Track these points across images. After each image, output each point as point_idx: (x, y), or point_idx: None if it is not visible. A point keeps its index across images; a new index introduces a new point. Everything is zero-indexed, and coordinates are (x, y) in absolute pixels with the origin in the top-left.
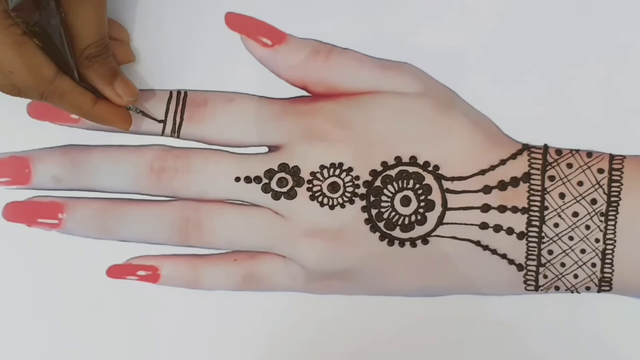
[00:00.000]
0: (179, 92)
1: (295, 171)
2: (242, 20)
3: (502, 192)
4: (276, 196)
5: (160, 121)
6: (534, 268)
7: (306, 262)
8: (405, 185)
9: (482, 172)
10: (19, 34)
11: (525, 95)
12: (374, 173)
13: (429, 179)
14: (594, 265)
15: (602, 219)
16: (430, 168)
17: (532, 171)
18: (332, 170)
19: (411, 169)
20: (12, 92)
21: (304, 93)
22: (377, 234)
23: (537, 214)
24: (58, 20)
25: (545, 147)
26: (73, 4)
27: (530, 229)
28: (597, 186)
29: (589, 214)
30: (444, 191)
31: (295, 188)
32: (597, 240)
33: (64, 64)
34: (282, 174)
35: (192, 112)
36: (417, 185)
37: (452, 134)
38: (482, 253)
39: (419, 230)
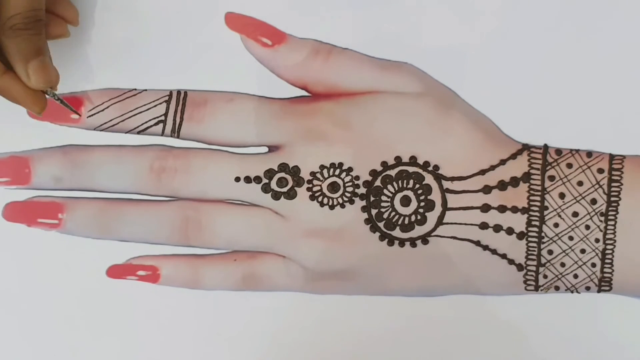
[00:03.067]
0: (179, 92)
1: (295, 171)
2: (242, 20)
3: (502, 192)
4: (276, 196)
5: (77, 114)
6: (534, 268)
7: (306, 262)
8: (405, 185)
9: (482, 172)
10: None
11: (525, 95)
12: (374, 173)
13: (429, 179)
14: (593, 265)
15: (602, 219)
16: (430, 168)
17: (532, 171)
18: (332, 170)
19: (411, 169)
20: None
21: (304, 93)
22: (377, 234)
23: (537, 214)
24: None
25: (545, 147)
26: None
27: (530, 229)
28: (597, 186)
29: (588, 214)
30: (443, 191)
31: (295, 188)
32: (597, 240)
33: None
34: (282, 174)
35: (192, 112)
36: (417, 185)
37: (452, 134)
38: (482, 253)
39: (418, 230)
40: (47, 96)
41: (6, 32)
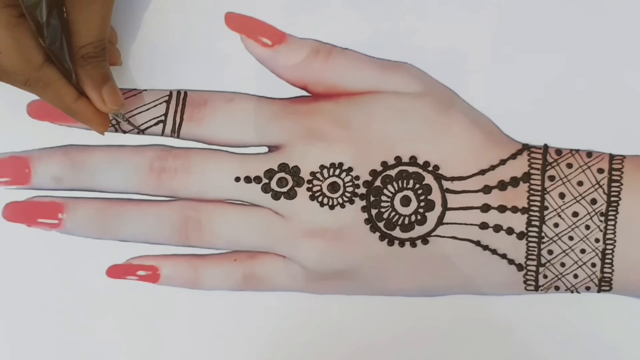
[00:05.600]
0: (179, 92)
1: (295, 171)
2: (242, 20)
3: (502, 192)
4: (276, 196)
5: (141, 131)
6: (534, 268)
7: (306, 262)
8: (405, 185)
9: (482, 172)
10: (14, 15)
11: (525, 95)
12: (374, 173)
13: (428, 179)
14: (593, 265)
15: (602, 219)
16: (430, 168)
17: (532, 171)
18: (332, 170)
19: (411, 169)
20: None
21: (304, 93)
22: (377, 234)
23: (537, 214)
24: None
25: (545, 147)
26: (79, 0)
27: (530, 229)
28: (597, 186)
29: (588, 214)
30: (443, 191)
31: (295, 188)
32: (597, 240)
33: (57, 58)
34: (282, 174)
35: (192, 112)
36: (417, 185)
37: (452, 134)
38: (482, 253)
39: (419, 230)
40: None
41: (78, 61)
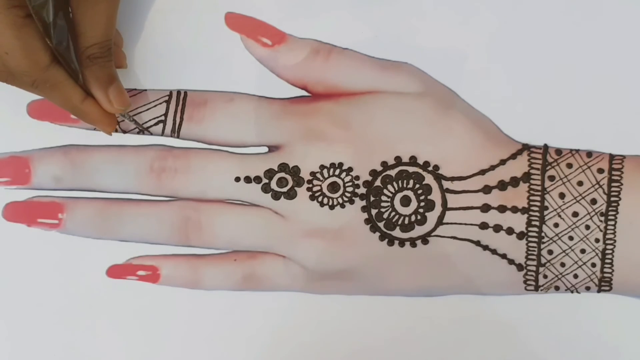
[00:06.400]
0: (179, 92)
1: (295, 171)
2: (242, 20)
3: (502, 192)
4: (276, 196)
5: (146, 130)
6: (534, 268)
7: (306, 262)
8: (405, 185)
9: (482, 172)
10: (21, 15)
11: (525, 95)
12: (373, 173)
13: (429, 179)
14: (593, 265)
15: (602, 219)
16: (430, 168)
17: (532, 171)
18: (332, 170)
19: (411, 169)
20: (1, 77)
21: (304, 93)
22: (377, 234)
23: (537, 214)
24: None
25: (545, 147)
26: (85, 1)
27: (530, 229)
28: (597, 186)
29: (588, 214)
30: (443, 191)
31: (295, 188)
32: (597, 240)
33: (64, 59)
34: (282, 174)
35: (192, 112)
36: (417, 185)
37: (452, 134)
38: (482, 253)
39: (418, 230)
40: (119, 116)
41: (84, 62)
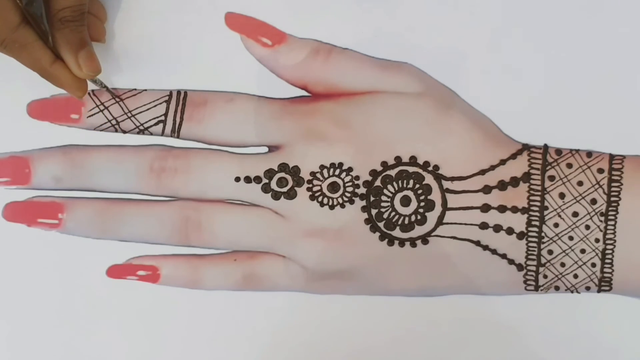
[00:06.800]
0: (179, 92)
1: (295, 171)
2: (242, 20)
3: (502, 192)
4: (276, 196)
5: (116, 97)
6: (534, 268)
7: (306, 262)
8: (405, 185)
9: (482, 172)
10: None
11: (525, 95)
12: (374, 173)
13: (429, 179)
14: (593, 265)
15: (602, 219)
16: (430, 168)
17: (532, 171)
18: (332, 170)
19: (411, 169)
20: None
21: (304, 93)
22: (377, 234)
23: (537, 214)
24: None
25: (545, 147)
26: None
27: (530, 229)
28: (597, 186)
29: (588, 214)
30: (443, 191)
31: (295, 188)
32: (597, 240)
33: (34, 19)
34: (282, 174)
35: (192, 112)
36: (417, 185)
37: (452, 134)
38: (482, 253)
39: (418, 230)
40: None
41: (56, 24)
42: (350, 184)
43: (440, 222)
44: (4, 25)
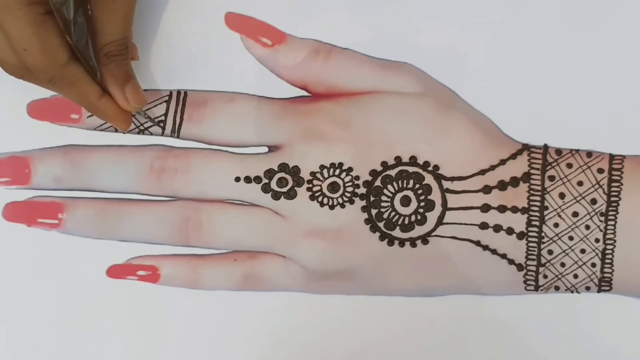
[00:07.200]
0: (179, 92)
1: (295, 171)
2: (242, 20)
3: (502, 192)
4: (276, 196)
5: (157, 124)
6: (534, 268)
7: (306, 262)
8: (405, 185)
9: (482, 172)
10: (41, 12)
11: (525, 95)
12: (374, 173)
13: (428, 179)
14: (593, 265)
15: (602, 219)
16: (430, 168)
17: (532, 171)
18: (332, 170)
19: (411, 169)
20: (18, 73)
21: (304, 93)
22: (377, 234)
23: (537, 214)
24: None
25: (545, 147)
26: None
27: (530, 229)
28: (597, 186)
29: (588, 214)
30: (443, 191)
31: (295, 188)
32: (597, 240)
33: (83, 56)
34: (282, 174)
35: (192, 112)
36: (417, 185)
37: (452, 134)
38: (482, 253)
39: (419, 230)
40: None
41: (102, 59)
42: (350, 184)
43: (440, 222)
44: (53, 62)
